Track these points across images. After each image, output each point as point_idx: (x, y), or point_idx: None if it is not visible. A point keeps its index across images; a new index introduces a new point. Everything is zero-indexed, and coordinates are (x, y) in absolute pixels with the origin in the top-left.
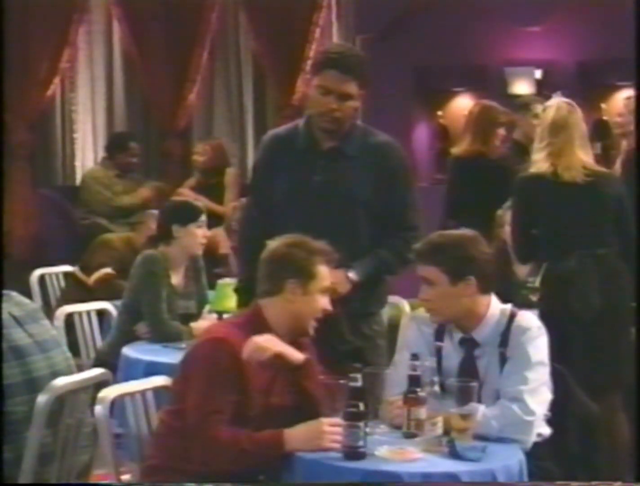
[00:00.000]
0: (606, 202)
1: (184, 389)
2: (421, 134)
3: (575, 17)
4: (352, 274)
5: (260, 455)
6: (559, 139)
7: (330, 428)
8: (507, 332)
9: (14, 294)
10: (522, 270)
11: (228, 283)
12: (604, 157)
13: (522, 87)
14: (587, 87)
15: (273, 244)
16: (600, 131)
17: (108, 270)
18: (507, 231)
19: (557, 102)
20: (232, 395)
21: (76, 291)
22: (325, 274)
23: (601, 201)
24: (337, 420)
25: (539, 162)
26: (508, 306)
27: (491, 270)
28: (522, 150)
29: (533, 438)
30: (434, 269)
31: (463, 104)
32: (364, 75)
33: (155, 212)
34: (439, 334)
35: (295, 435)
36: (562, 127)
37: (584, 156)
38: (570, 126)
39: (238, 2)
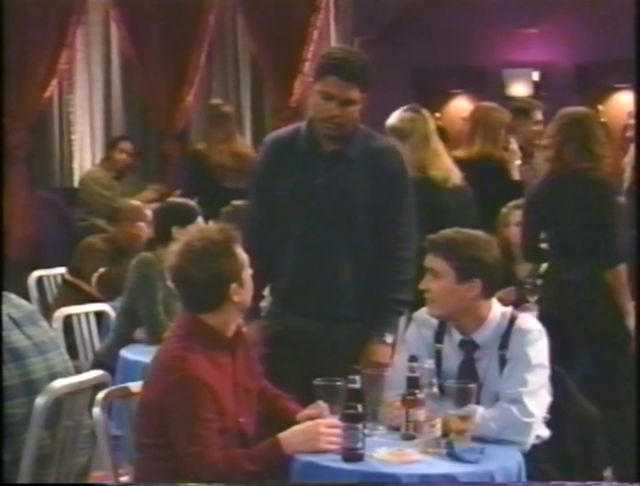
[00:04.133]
0: None
1: (162, 423)
2: None
3: (573, 19)
4: (389, 339)
5: (264, 468)
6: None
7: (327, 430)
8: (507, 335)
9: (12, 296)
10: (522, 270)
11: None
12: None
13: (519, 88)
14: (585, 88)
15: (187, 262)
16: None
17: (102, 270)
18: (511, 230)
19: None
20: (216, 424)
21: (69, 294)
22: (242, 254)
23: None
24: (334, 421)
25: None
26: (509, 309)
27: (498, 276)
28: (523, 153)
29: (531, 440)
30: (443, 263)
31: (461, 105)
32: (367, 79)
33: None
34: (439, 336)
35: (292, 437)
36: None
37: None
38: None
39: (236, 4)
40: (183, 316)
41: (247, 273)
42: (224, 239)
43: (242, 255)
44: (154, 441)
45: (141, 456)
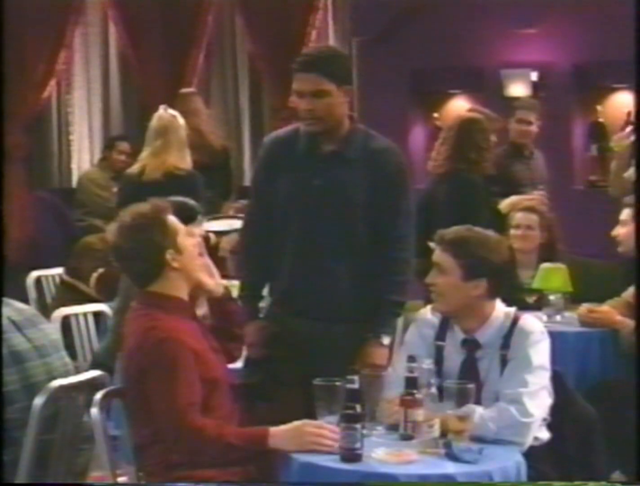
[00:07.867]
0: None
1: (142, 397)
2: (417, 136)
3: (572, 19)
4: (386, 341)
5: (245, 450)
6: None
7: (313, 430)
8: (509, 335)
9: (12, 301)
10: (523, 273)
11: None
12: (600, 159)
13: (518, 89)
14: (583, 89)
15: (121, 238)
16: (596, 133)
17: (101, 270)
18: (512, 233)
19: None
20: (198, 385)
21: (67, 295)
22: (176, 223)
23: None
24: (321, 422)
25: None
26: (512, 309)
27: (505, 278)
28: (518, 151)
29: (529, 441)
30: (450, 260)
31: (459, 106)
32: (336, 69)
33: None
34: (441, 335)
35: (279, 433)
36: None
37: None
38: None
39: (234, 4)
40: (138, 294)
41: (187, 240)
42: (153, 212)
43: (176, 224)
44: (138, 420)
45: (139, 449)
